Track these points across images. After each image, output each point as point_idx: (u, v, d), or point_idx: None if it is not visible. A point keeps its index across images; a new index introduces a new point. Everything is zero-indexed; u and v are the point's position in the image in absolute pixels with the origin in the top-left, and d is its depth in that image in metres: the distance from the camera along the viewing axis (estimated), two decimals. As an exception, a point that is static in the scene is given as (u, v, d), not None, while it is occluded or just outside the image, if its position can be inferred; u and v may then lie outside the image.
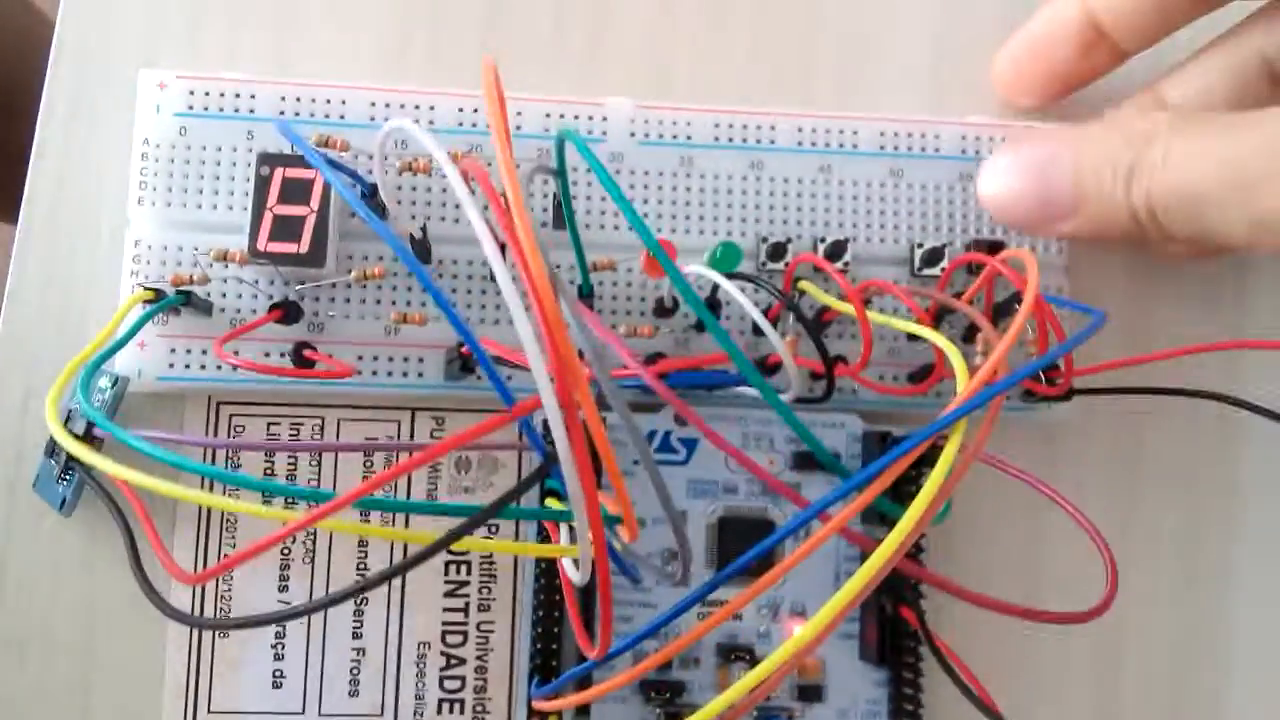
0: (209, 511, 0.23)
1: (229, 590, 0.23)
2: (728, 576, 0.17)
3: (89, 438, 0.20)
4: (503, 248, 0.15)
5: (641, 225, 0.18)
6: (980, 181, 0.24)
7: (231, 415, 0.24)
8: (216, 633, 0.22)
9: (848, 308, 0.23)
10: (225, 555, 0.23)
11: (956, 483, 0.17)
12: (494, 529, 0.24)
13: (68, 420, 0.21)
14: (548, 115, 0.25)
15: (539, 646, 0.22)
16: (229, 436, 0.23)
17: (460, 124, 0.25)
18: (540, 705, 0.20)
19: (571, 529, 0.20)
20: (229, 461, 0.23)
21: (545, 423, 0.15)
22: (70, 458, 0.20)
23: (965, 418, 0.17)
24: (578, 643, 0.19)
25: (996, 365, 0.18)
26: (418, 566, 0.14)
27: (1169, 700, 0.26)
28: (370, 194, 0.23)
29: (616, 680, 0.17)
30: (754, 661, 0.23)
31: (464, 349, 0.24)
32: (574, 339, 0.15)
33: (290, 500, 0.22)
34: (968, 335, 0.25)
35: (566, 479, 0.15)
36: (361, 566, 0.24)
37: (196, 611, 0.22)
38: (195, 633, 0.22)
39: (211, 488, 0.22)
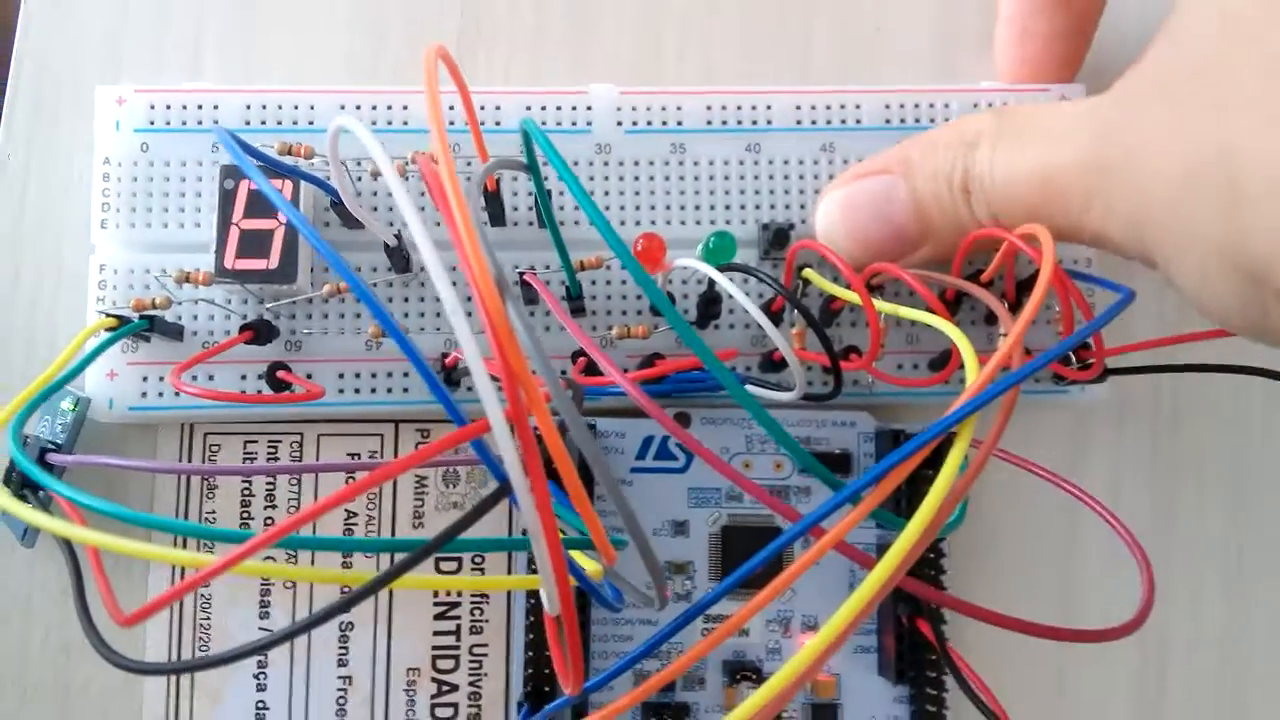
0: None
1: (207, 620, 0.22)
2: (716, 599, 0.16)
3: (44, 465, 0.20)
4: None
5: (598, 215, 0.17)
6: (816, 225, 0.23)
7: (206, 435, 0.23)
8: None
9: (854, 296, 0.21)
10: (203, 595, 0.22)
11: (968, 488, 0.15)
12: (480, 558, 0.23)
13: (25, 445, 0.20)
14: (528, 108, 0.24)
15: (530, 671, 0.21)
16: (204, 459, 0.22)
17: (435, 121, 0.23)
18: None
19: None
20: (205, 485, 0.22)
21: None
22: (23, 487, 0.19)
23: (974, 414, 0.15)
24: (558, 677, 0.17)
25: (1010, 353, 0.16)
26: (349, 610, 0.13)
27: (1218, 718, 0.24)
28: (336, 201, 0.22)
29: (610, 710, 0.16)
30: (762, 680, 0.21)
31: (448, 360, 0.23)
32: (528, 347, 0.14)
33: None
34: (992, 317, 0.23)
35: (521, 505, 0.14)
36: (346, 588, 0.22)
37: (174, 644, 0.21)
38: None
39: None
